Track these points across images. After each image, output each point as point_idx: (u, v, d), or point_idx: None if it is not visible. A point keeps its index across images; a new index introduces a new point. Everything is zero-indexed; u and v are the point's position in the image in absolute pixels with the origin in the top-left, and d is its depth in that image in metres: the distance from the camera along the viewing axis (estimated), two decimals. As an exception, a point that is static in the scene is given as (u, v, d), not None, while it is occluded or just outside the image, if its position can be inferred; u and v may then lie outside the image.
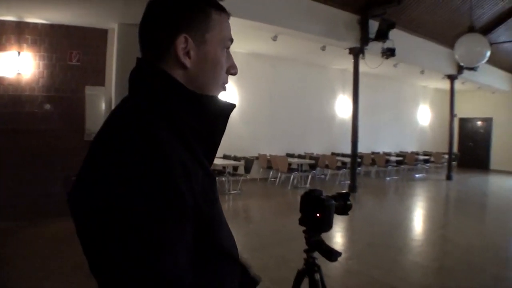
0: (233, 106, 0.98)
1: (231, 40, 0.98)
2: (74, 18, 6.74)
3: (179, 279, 0.74)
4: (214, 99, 0.95)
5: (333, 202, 1.73)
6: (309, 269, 1.82)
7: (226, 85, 1.00)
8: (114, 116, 0.89)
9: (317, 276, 1.81)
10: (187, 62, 0.90)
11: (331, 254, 1.69)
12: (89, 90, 7.09)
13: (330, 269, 4.58)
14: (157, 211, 0.73)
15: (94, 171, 0.79)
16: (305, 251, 1.81)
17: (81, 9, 6.29)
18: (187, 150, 0.84)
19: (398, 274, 4.50)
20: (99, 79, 7.22)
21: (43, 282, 3.97)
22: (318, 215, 1.69)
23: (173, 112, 0.87)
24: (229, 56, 0.99)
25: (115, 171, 0.75)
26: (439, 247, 5.86)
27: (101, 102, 7.15)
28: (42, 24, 6.80)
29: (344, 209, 1.81)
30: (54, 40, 6.89)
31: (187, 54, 0.90)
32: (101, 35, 7.20)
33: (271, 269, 4.48)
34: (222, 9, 0.96)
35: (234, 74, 1.01)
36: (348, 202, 1.82)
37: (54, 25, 6.86)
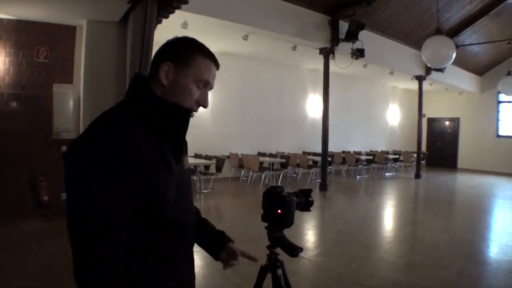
0: (188, 110, 1.26)
1: (206, 82, 1.27)
2: (41, 14, 6.59)
3: (109, 225, 1.03)
4: (175, 105, 1.22)
5: (294, 198, 1.76)
6: (272, 265, 1.85)
7: (193, 113, 1.27)
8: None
9: (280, 271, 1.84)
10: (165, 81, 1.22)
11: (293, 250, 1.72)
12: (57, 88, 6.94)
13: (299, 266, 4.64)
14: (107, 173, 1.03)
15: (75, 143, 1.10)
16: (267, 247, 1.84)
17: (49, 5, 6.15)
18: (153, 140, 1.15)
19: (366, 270, 4.59)
20: (67, 77, 7.09)
21: (7, 283, 3.87)
22: (279, 211, 1.72)
23: (146, 113, 1.18)
24: (204, 92, 1.28)
25: (88, 146, 1.07)
26: (407, 244, 6.00)
27: (69, 100, 7.00)
28: (8, 20, 6.63)
29: (306, 206, 1.85)
30: (20, 36, 6.72)
31: (167, 76, 1.22)
32: (69, 32, 7.07)
33: (240, 265, 4.46)
34: (209, 57, 1.27)
35: (203, 106, 1.30)
36: (310, 199, 1.85)
37: (21, 20, 6.70)
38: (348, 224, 7.06)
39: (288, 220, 1.74)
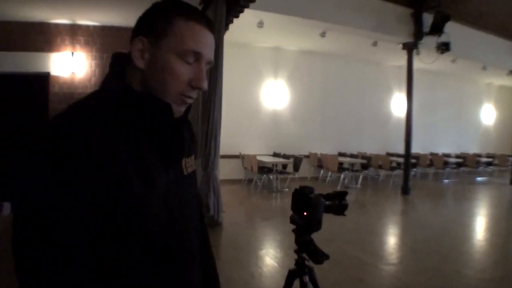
0: (164, 105, 0.93)
1: (197, 54, 0.91)
2: (122, 20, 7.02)
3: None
4: (149, 99, 0.92)
5: (323, 200, 1.64)
6: (299, 270, 1.74)
7: (187, 99, 0.94)
8: None
9: (306, 278, 1.72)
10: (140, 63, 0.91)
11: (317, 256, 1.61)
12: (137, 88, 7.35)
13: (364, 273, 4.42)
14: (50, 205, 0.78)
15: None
16: (295, 251, 1.74)
17: (129, 11, 6.53)
18: (125, 144, 0.86)
19: (435, 283, 4.21)
20: (147, 78, 7.48)
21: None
22: (305, 213, 1.62)
23: (114, 110, 0.89)
24: (196, 68, 0.92)
25: (27, 156, 0.81)
26: (490, 257, 5.40)
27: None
28: (94, 26, 7.15)
29: (339, 209, 1.72)
30: (105, 41, 7.21)
31: (142, 56, 0.91)
32: (148, 35, 7.45)
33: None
34: (194, 18, 0.91)
35: (198, 88, 0.93)
36: (344, 202, 1.73)
37: (105, 26, 7.19)
38: (426, 231, 6.58)
39: (314, 224, 1.62)
